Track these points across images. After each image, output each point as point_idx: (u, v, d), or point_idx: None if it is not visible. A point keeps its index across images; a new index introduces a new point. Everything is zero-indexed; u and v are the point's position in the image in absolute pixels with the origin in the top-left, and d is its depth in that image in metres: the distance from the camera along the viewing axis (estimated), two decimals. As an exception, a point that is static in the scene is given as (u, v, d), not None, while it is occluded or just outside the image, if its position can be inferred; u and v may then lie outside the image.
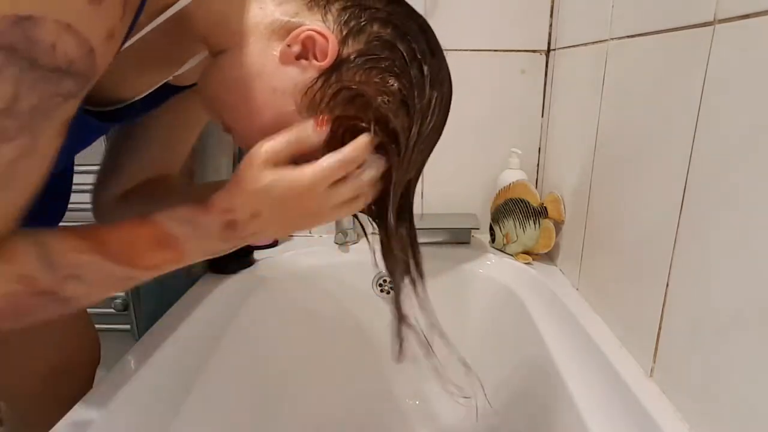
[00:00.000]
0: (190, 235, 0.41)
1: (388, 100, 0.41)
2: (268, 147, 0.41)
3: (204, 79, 0.45)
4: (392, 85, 0.41)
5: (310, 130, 0.41)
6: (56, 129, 0.33)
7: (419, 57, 0.42)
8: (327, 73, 0.41)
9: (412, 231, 0.47)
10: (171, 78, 0.48)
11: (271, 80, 0.41)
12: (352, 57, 0.41)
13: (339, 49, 0.41)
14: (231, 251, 0.45)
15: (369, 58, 0.41)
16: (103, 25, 0.31)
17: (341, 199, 0.43)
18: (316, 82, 0.41)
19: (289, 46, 0.41)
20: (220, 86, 0.44)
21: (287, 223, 0.44)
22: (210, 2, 0.41)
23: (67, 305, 0.38)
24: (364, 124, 0.41)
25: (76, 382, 0.70)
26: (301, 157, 0.42)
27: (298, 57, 0.41)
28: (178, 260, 0.42)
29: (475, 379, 0.97)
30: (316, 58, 0.41)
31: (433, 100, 0.42)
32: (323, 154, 0.42)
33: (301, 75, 0.41)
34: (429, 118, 0.43)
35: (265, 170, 0.41)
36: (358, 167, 0.42)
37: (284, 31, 0.41)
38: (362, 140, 0.41)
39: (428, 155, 0.46)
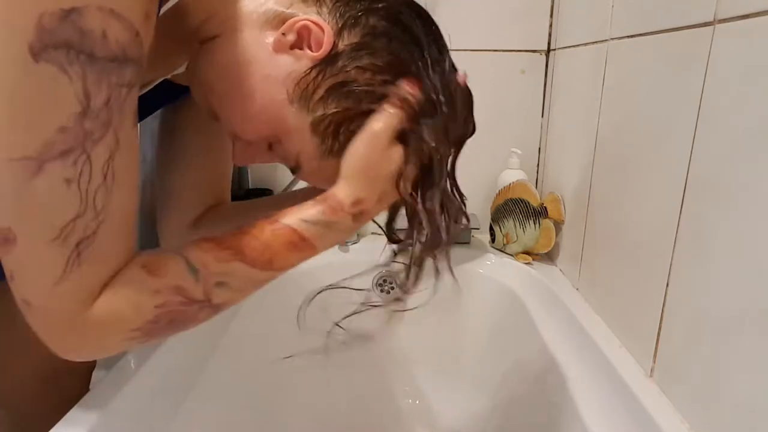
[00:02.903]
0: (323, 235, 0.42)
1: (383, 96, 0.40)
2: (385, 125, 0.40)
3: (194, 65, 0.45)
4: (391, 79, 0.40)
5: (407, 92, 0.41)
6: (131, 120, 0.32)
7: (417, 48, 0.41)
8: (321, 65, 0.40)
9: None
10: (169, 76, 0.48)
11: (264, 67, 0.41)
12: (347, 50, 0.40)
13: (334, 41, 0.40)
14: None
15: (365, 52, 0.40)
16: (141, 7, 0.31)
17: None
18: (310, 72, 0.40)
19: (284, 34, 0.40)
20: (211, 72, 0.43)
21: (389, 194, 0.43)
22: None
23: (217, 310, 0.39)
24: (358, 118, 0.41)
25: (74, 384, 0.70)
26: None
27: (293, 46, 0.41)
28: (312, 255, 0.43)
29: (475, 376, 0.97)
30: (310, 48, 0.40)
31: (435, 91, 0.42)
32: (320, 150, 0.42)
33: (294, 64, 0.41)
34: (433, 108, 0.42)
35: (394, 147, 0.41)
36: None
37: (278, 21, 0.41)
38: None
39: (447, 148, 0.44)
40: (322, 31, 0.40)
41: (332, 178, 0.42)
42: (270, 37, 0.41)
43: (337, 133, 0.41)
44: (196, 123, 0.57)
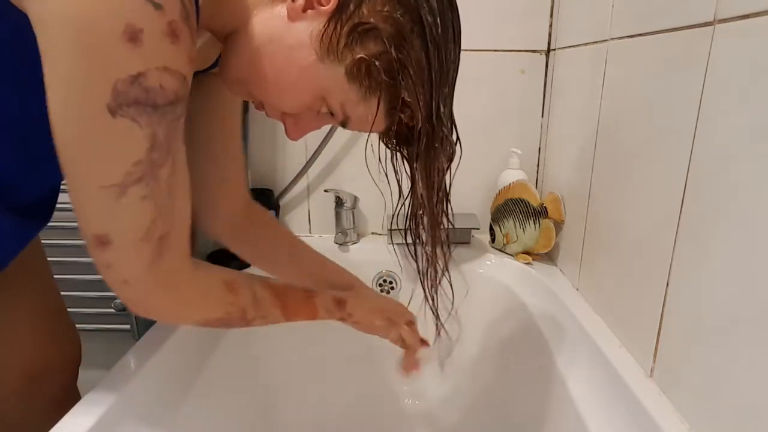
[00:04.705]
0: (324, 316, 0.60)
1: (398, 23, 0.42)
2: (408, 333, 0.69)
3: (223, 65, 0.47)
4: (397, 7, 0.42)
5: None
6: (181, 140, 0.40)
7: None
8: (336, 15, 0.42)
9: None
10: None
11: (286, 39, 0.43)
12: None
13: None
14: None
15: None
16: (185, 55, 0.37)
17: None
18: (329, 25, 0.42)
19: (293, 1, 0.42)
20: (240, 65, 0.45)
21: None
22: None
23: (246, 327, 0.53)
24: (383, 53, 0.42)
25: (58, 383, 0.69)
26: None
27: (305, 9, 0.42)
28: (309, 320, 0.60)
29: (476, 377, 0.97)
30: (321, 4, 0.42)
31: (441, 10, 0.43)
32: (361, 94, 0.44)
33: (312, 25, 0.42)
34: (441, 27, 0.43)
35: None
36: None
37: None
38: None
39: (454, 69, 0.47)
40: None
41: (373, 118, 0.46)
42: (282, 10, 0.43)
43: (370, 71, 0.43)
44: (209, 107, 0.59)
